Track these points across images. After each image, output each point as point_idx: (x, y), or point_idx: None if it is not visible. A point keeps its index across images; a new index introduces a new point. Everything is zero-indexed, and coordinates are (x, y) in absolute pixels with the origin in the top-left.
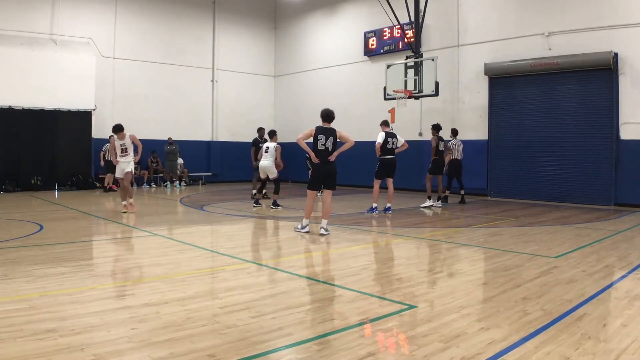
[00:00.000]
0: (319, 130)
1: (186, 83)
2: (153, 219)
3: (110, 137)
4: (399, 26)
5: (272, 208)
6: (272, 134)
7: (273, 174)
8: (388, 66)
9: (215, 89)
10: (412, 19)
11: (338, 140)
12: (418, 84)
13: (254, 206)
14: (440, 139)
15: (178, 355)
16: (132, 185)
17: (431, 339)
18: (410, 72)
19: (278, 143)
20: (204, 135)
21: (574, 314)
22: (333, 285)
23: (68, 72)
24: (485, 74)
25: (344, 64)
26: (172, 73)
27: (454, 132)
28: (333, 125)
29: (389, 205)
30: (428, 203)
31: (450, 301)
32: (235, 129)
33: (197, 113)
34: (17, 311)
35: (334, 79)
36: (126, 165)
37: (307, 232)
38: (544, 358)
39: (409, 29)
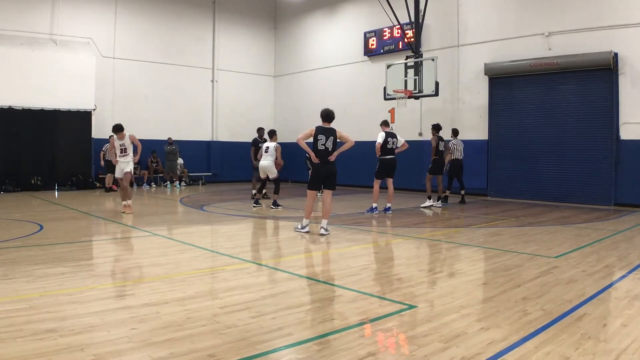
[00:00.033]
0: (319, 130)
1: (186, 83)
2: (153, 219)
3: (110, 137)
4: (399, 26)
5: (272, 208)
6: (272, 134)
7: (273, 173)
8: (388, 66)
9: (215, 89)
10: (412, 19)
11: (338, 140)
12: (418, 84)
13: (254, 206)
14: (440, 138)
15: (178, 355)
16: (131, 185)
17: (431, 339)
18: (410, 72)
19: (278, 143)
20: (204, 135)
21: (574, 314)
22: (333, 285)
23: (68, 72)
24: (485, 74)
25: (344, 64)
26: (172, 73)
27: (455, 132)
28: (333, 125)
29: (389, 205)
30: (428, 203)
31: (450, 301)
32: (235, 129)
33: (197, 113)
34: (17, 311)
35: (334, 79)
36: (125, 165)
37: (307, 232)
38: (544, 358)
39: (409, 29)
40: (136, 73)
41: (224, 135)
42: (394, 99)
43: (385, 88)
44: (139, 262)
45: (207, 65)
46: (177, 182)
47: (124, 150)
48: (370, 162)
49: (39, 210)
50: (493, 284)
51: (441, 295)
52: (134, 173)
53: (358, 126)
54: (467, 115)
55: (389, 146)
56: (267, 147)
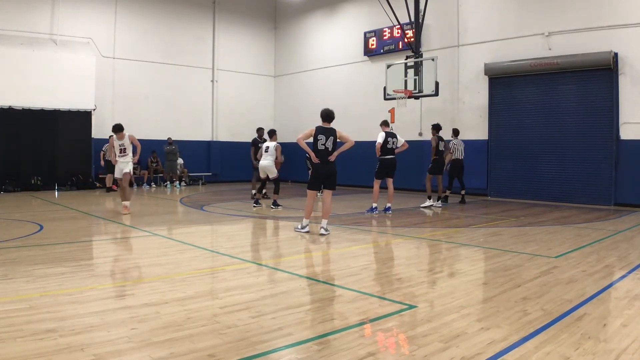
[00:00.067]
0: (319, 130)
1: (186, 83)
2: (153, 219)
3: (110, 136)
4: (399, 26)
5: (272, 208)
6: (272, 133)
7: (273, 173)
8: (388, 66)
9: (215, 89)
10: (412, 19)
11: (338, 140)
12: (418, 84)
13: (254, 206)
14: (440, 138)
15: (178, 355)
16: (131, 185)
17: (431, 339)
18: (410, 72)
19: (278, 143)
20: (204, 135)
21: (574, 314)
22: (333, 285)
23: (68, 72)
24: (485, 74)
25: (344, 64)
26: (172, 73)
27: (456, 132)
28: (333, 125)
29: (389, 205)
30: (428, 203)
31: (450, 301)
32: (235, 129)
33: (197, 113)
34: (17, 311)
35: (334, 79)
36: (125, 165)
37: (307, 232)
38: (544, 358)
39: (409, 29)
40: (136, 73)
41: (224, 135)
42: (394, 99)
43: (385, 88)
44: (139, 262)
45: (207, 65)
46: (177, 182)
47: (123, 151)
48: (370, 162)
49: (39, 210)
50: (493, 284)
51: (441, 295)
52: (134, 173)
53: (358, 126)
54: (467, 115)
55: (389, 146)
56: (267, 147)
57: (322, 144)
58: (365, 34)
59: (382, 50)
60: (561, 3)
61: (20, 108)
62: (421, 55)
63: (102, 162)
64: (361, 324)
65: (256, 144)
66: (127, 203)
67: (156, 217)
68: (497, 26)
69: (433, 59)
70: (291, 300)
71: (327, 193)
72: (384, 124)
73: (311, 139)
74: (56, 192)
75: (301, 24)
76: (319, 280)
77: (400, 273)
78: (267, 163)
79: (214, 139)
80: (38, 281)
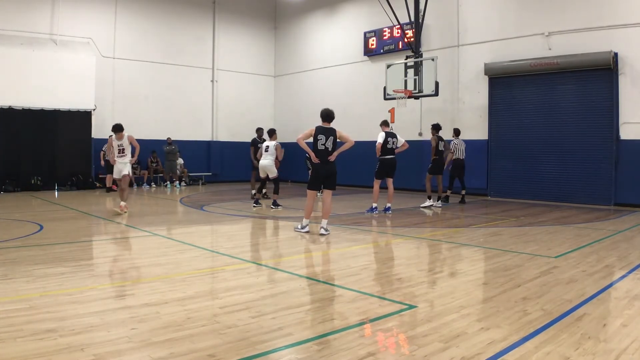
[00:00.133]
0: (318, 130)
1: (186, 83)
2: (153, 218)
3: (110, 136)
4: (399, 26)
5: (272, 208)
6: (272, 133)
7: (273, 173)
8: (388, 66)
9: (215, 89)
10: (412, 19)
11: (338, 140)
12: (418, 84)
13: (254, 206)
14: (440, 138)
15: (178, 355)
16: (131, 185)
17: (431, 339)
18: (410, 72)
19: (277, 142)
20: (204, 135)
21: (574, 314)
22: (333, 285)
23: (68, 72)
24: (485, 74)
25: (343, 64)
26: (172, 73)
27: (457, 132)
28: (333, 125)
29: (389, 205)
30: (428, 203)
31: (450, 301)
32: (235, 129)
33: (197, 113)
34: (17, 311)
35: (334, 79)
36: (123, 166)
37: (307, 232)
38: (544, 358)
39: (409, 29)
40: (136, 73)
41: (224, 135)
42: (394, 99)
43: (385, 88)
44: (138, 262)
45: (207, 65)
46: (177, 182)
47: (121, 151)
48: (370, 162)
49: (39, 210)
50: (493, 284)
51: (441, 295)
52: (134, 173)
53: (358, 126)
54: (467, 115)
55: (389, 146)
56: (267, 146)
57: (322, 144)
58: (365, 34)
59: (382, 50)
60: (561, 3)
61: (20, 108)
62: (421, 55)
63: (102, 162)
64: (361, 324)
65: (256, 144)
66: (123, 203)
67: (156, 217)
68: (497, 26)
69: (433, 59)
70: (291, 300)
71: (327, 193)
72: (384, 124)
73: (311, 139)
74: (56, 192)
75: (301, 24)
76: (319, 280)
77: (400, 273)
78: (267, 162)
79: (214, 139)
80: (38, 281)
